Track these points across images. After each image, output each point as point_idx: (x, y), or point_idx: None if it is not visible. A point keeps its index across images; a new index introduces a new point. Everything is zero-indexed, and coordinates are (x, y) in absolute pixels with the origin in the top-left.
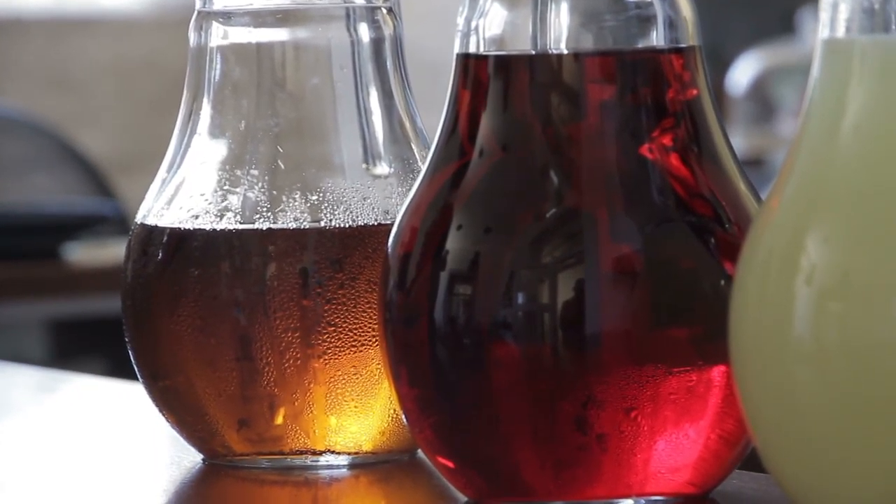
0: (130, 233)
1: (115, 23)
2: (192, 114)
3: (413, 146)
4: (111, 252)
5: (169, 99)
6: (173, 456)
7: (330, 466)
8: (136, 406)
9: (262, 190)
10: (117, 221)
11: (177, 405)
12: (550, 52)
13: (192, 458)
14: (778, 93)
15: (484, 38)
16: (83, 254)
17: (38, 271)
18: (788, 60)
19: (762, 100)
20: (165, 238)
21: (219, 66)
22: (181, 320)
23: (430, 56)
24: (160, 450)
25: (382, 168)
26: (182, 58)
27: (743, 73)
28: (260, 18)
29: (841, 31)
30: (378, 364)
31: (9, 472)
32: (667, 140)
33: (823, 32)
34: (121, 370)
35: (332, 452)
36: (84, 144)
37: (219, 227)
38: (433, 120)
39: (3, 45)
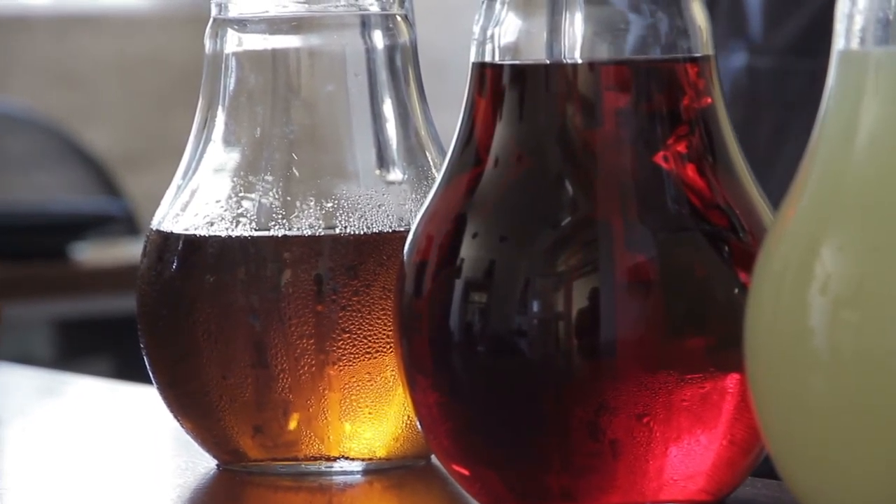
0: (146, 238)
1: (119, 19)
2: (208, 121)
3: (427, 153)
4: (118, 252)
5: (174, 95)
6: (187, 461)
7: (344, 472)
8: (146, 410)
9: (277, 197)
10: (124, 221)
11: (191, 411)
12: (565, 61)
13: (205, 463)
14: None
15: (499, 47)
16: (90, 253)
17: (46, 271)
18: None
19: None
20: (181, 244)
21: (234, 74)
22: (196, 326)
23: (436, 53)
24: (173, 455)
25: (397, 175)
26: (187, 54)
27: None
28: (275, 26)
29: (855, 43)
30: (392, 371)
31: (16, 475)
32: (681, 148)
33: (838, 44)
34: (128, 370)
35: (347, 458)
36: (89, 141)
37: (234, 233)
38: (440, 117)
39: (8, 43)
